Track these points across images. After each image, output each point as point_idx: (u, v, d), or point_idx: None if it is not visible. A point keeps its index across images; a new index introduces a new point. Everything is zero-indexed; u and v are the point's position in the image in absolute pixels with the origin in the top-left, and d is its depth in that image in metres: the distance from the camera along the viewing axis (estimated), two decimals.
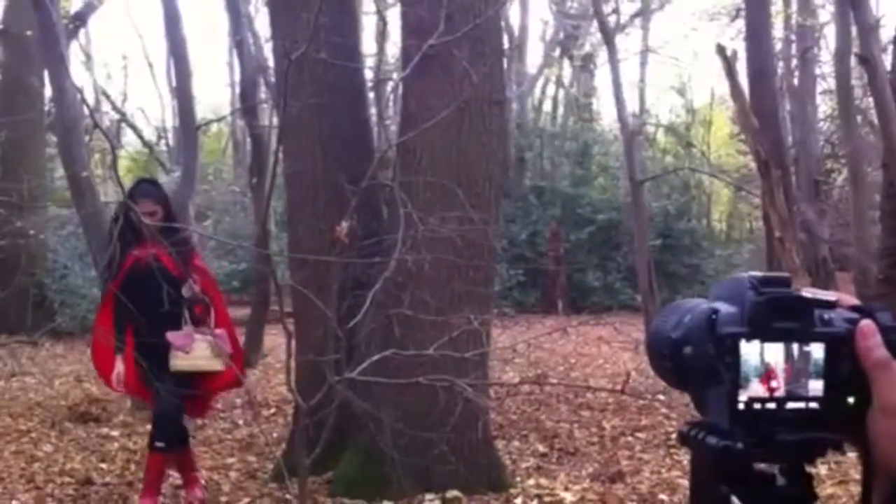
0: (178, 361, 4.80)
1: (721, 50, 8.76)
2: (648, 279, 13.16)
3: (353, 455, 5.08)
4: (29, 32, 12.32)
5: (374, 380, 3.72)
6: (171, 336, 4.79)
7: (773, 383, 0.77)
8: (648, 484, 5.43)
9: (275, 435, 6.92)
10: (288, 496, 4.98)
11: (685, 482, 5.47)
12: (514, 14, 21.37)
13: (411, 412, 4.58)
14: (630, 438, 6.97)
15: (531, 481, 5.45)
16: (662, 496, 5.11)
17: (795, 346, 0.78)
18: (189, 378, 4.91)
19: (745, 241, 25.03)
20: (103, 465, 6.08)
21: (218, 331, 4.91)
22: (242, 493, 5.30)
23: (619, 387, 8.53)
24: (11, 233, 13.45)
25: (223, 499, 5.19)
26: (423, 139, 4.81)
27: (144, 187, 5.08)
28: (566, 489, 5.19)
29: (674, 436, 6.97)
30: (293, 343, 3.93)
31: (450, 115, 4.67)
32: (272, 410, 8.17)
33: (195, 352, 4.79)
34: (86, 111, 9.02)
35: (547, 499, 4.94)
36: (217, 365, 4.85)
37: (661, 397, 8.12)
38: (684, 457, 6.29)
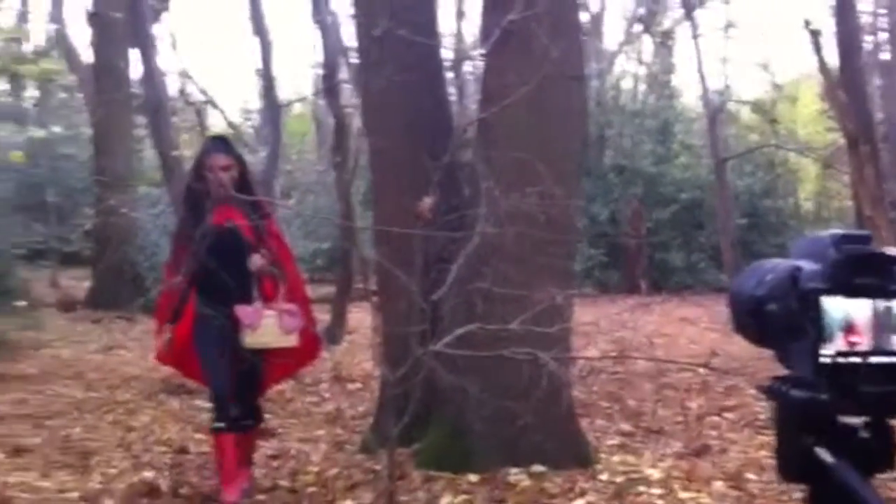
0: (248, 338, 4.56)
1: (808, 25, 8.57)
2: (734, 259, 12.99)
3: (439, 428, 5.16)
4: (118, 15, 12.72)
5: (459, 352, 3.78)
6: (240, 311, 4.56)
7: (856, 338, 0.79)
8: (735, 463, 5.38)
9: (360, 409, 7.06)
10: (376, 467, 5.08)
11: (773, 461, 5.41)
12: None
13: (495, 385, 4.63)
14: (716, 418, 6.90)
15: (616, 458, 5.45)
16: (750, 475, 5.06)
17: (879, 302, 0.80)
18: (259, 353, 4.69)
19: (833, 220, 24.35)
20: (198, 436, 6.28)
21: (287, 306, 4.66)
22: (331, 464, 5.42)
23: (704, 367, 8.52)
24: (104, 211, 13.92)
25: (313, 468, 5.32)
26: (503, 116, 4.82)
27: (217, 142, 4.86)
28: (652, 466, 5.18)
29: (761, 416, 6.90)
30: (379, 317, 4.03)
31: (529, 91, 4.68)
32: (357, 385, 8.31)
33: (263, 328, 4.56)
34: (173, 92, 9.24)
35: (633, 475, 4.94)
36: (287, 341, 4.64)
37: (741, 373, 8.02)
38: (771, 437, 6.21)
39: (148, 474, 5.28)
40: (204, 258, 4.47)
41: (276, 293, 4.68)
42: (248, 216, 4.56)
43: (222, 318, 4.55)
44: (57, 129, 15.34)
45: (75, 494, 4.90)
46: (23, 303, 10.32)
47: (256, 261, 4.56)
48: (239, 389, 4.62)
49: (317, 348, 5.13)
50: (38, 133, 14.41)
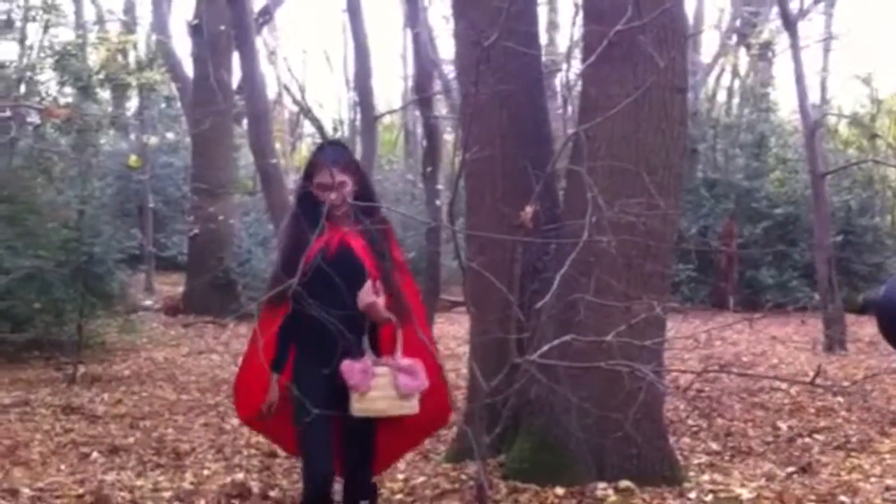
0: (356, 404, 3.58)
1: None
2: (828, 278, 12.62)
3: (527, 439, 5.14)
4: (222, 27, 13.08)
5: (556, 363, 3.78)
6: (346, 369, 3.56)
7: None
8: (828, 486, 5.25)
9: None
10: (462, 476, 5.10)
11: (867, 486, 5.27)
12: (688, 1, 20.92)
13: (588, 398, 4.61)
14: (808, 440, 6.73)
15: (705, 476, 5.37)
16: (843, 498, 4.93)
17: None
18: (371, 421, 3.71)
19: None
20: None
21: (405, 361, 3.64)
22: (418, 472, 5.45)
23: (797, 387, 8.31)
24: (203, 217, 14.30)
25: (400, 476, 5.36)
26: (603, 127, 4.80)
27: (330, 151, 3.81)
28: (742, 486, 5.08)
29: (854, 439, 6.71)
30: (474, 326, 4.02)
31: (630, 103, 4.65)
32: None
33: (374, 391, 3.56)
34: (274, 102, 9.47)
35: (722, 495, 4.86)
36: (404, 408, 3.63)
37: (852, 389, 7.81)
38: (864, 460, 6.04)
39: (239, 476, 5.39)
40: (302, 294, 3.39)
41: (394, 344, 3.68)
42: (369, 237, 3.62)
43: (325, 377, 3.57)
44: (169, 134, 15.86)
45: (169, 493, 5.02)
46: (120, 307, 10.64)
47: (366, 296, 3.53)
48: (347, 465, 3.80)
49: (445, 414, 4.05)
50: (152, 140, 14.89)
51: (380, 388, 3.56)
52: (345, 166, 3.67)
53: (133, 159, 12.53)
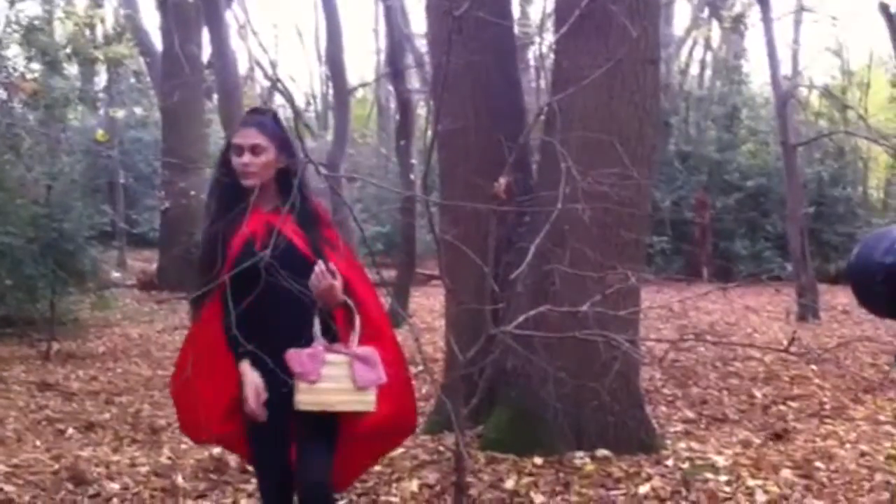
0: (302, 396, 3.04)
1: (884, 8, 8.35)
2: (801, 248, 12.75)
3: (504, 410, 5.17)
4: (191, 0, 12.94)
5: (531, 333, 3.79)
6: (293, 358, 3.04)
7: None
8: (803, 452, 5.32)
9: (423, 391, 7.10)
10: (440, 448, 5.12)
11: (842, 452, 5.35)
12: None
13: (564, 368, 4.63)
14: (783, 407, 6.83)
15: (682, 444, 5.43)
16: (818, 463, 5.00)
17: None
18: (328, 426, 3.13)
19: None
20: None
21: (362, 349, 3.12)
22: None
23: (770, 356, 8.41)
24: (175, 193, 14.18)
25: None
26: (576, 99, 4.80)
27: (250, 116, 3.31)
28: (718, 453, 5.15)
29: (828, 406, 6.80)
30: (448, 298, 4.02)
31: (602, 74, 4.65)
32: (419, 368, 8.35)
33: (325, 382, 3.04)
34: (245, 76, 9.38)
35: (699, 462, 4.91)
36: (360, 402, 3.10)
37: (826, 356, 7.92)
38: (839, 427, 6.13)
39: (216, 450, 5.37)
40: (240, 287, 2.95)
41: (349, 328, 3.15)
42: (302, 222, 3.13)
43: (269, 374, 3.05)
44: (137, 109, 15.69)
45: (145, 469, 5.00)
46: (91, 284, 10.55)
47: (322, 278, 3.01)
48: (301, 478, 3.10)
49: (410, 420, 3.49)
50: (118, 113, 14.71)
51: (332, 379, 3.03)
52: (265, 130, 3.14)
53: (100, 133, 12.37)
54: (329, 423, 3.12)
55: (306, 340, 3.06)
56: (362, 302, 3.19)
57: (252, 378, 3.05)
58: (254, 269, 2.89)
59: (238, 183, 3.13)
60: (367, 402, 3.10)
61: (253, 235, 3.06)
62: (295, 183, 3.07)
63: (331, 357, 3.06)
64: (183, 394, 3.35)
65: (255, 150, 3.10)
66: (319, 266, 3.02)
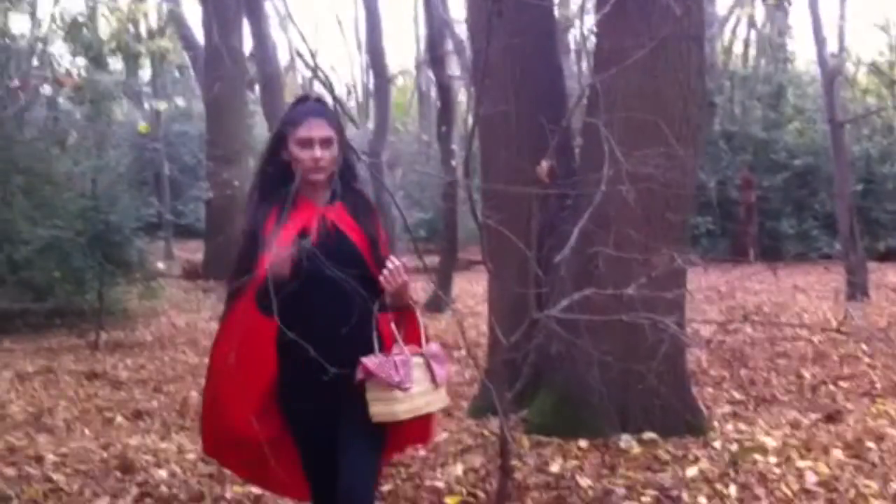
0: (400, 406, 2.83)
1: None
2: (850, 226, 12.54)
3: (549, 394, 5.15)
4: None
5: (575, 317, 3.76)
6: (377, 366, 2.81)
7: None
8: (854, 433, 5.23)
9: (467, 375, 7.10)
10: (485, 432, 5.12)
11: (893, 431, 5.25)
12: None
13: (609, 352, 4.60)
14: (832, 387, 6.73)
15: (729, 426, 5.37)
16: (869, 444, 4.92)
17: None
18: (379, 430, 2.92)
19: None
20: None
21: (432, 346, 3.00)
22: (441, 429, 5.46)
23: (819, 335, 8.30)
24: (219, 183, 14.33)
25: None
26: (618, 80, 4.73)
27: (312, 104, 3.07)
28: (767, 434, 5.08)
29: (879, 385, 6.69)
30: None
31: (645, 54, 4.59)
32: (462, 352, 8.36)
33: (415, 387, 2.86)
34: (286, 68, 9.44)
35: (747, 443, 4.85)
36: (441, 400, 3.00)
37: (874, 338, 7.80)
38: (890, 406, 6.02)
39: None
40: (287, 285, 2.78)
41: (417, 331, 3.01)
42: (357, 216, 2.99)
43: (315, 393, 2.88)
44: (179, 100, 15.86)
45: (192, 455, 5.04)
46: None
47: (398, 275, 2.85)
48: (349, 489, 2.85)
49: (429, 429, 3.26)
50: (161, 106, 14.88)
51: (418, 383, 2.87)
52: (333, 123, 2.99)
53: (142, 126, 12.51)
54: (378, 431, 2.92)
55: (349, 336, 2.83)
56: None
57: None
58: (309, 264, 2.78)
59: (283, 174, 2.95)
60: (443, 398, 3.02)
61: (306, 229, 2.88)
62: (351, 176, 3.00)
63: (409, 358, 2.88)
64: (211, 404, 3.07)
65: (326, 143, 2.92)
66: (394, 262, 2.86)
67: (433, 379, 2.91)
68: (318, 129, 2.91)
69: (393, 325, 2.91)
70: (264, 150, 3.13)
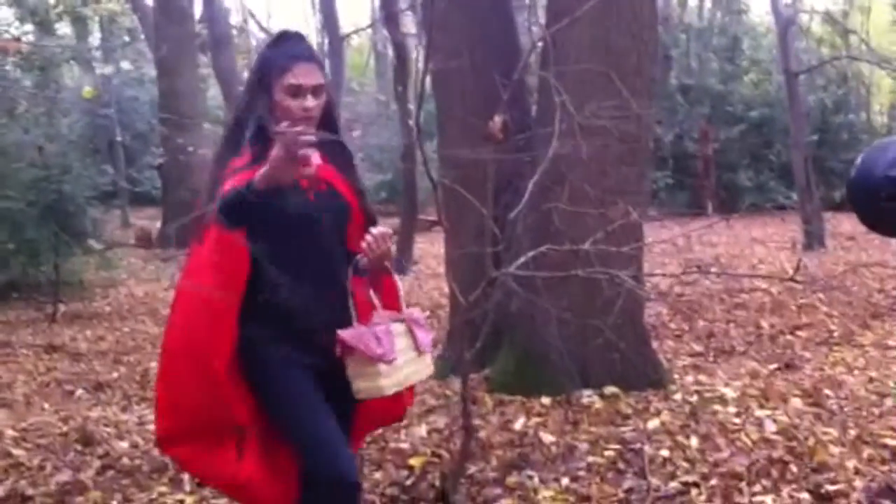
0: (385, 381, 2.59)
1: None
2: (805, 176, 12.66)
3: (510, 352, 5.15)
4: None
5: (533, 274, 3.74)
6: (357, 339, 2.58)
7: None
8: (812, 380, 5.31)
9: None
10: (448, 392, 5.11)
11: (850, 378, 5.34)
12: None
13: (568, 307, 4.59)
14: (790, 337, 6.82)
15: (689, 378, 5.41)
16: (827, 391, 4.99)
17: None
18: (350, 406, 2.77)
19: None
20: None
21: (412, 311, 2.84)
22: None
23: (777, 286, 8.38)
24: (172, 149, 14.10)
25: None
26: (570, 32, 4.68)
27: (299, 45, 2.70)
28: (726, 385, 5.13)
29: (836, 333, 6.78)
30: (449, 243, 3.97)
31: (597, 6, 4.53)
32: (426, 314, 8.34)
33: (399, 357, 2.63)
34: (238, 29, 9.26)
35: (707, 394, 4.89)
36: (426, 368, 2.82)
37: (830, 286, 7.89)
38: (847, 354, 6.11)
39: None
40: (271, 244, 2.53)
41: (395, 296, 2.83)
42: (341, 167, 2.77)
43: (308, 352, 2.65)
44: (125, 63, 15.50)
45: (154, 427, 5.00)
46: (95, 243, 10.53)
47: (383, 241, 2.66)
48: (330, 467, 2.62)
49: (403, 402, 3.03)
50: (106, 69, 14.55)
51: (401, 353, 2.64)
52: (321, 66, 2.72)
53: (86, 90, 12.19)
54: (349, 406, 2.74)
55: (338, 294, 2.65)
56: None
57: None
58: (301, 215, 2.58)
59: (260, 126, 2.61)
60: (427, 365, 2.82)
61: (297, 185, 2.50)
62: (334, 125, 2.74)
63: (395, 328, 2.67)
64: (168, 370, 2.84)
65: (317, 91, 2.63)
66: (378, 229, 2.65)
67: (416, 346, 2.72)
68: (309, 75, 2.61)
69: (372, 292, 2.71)
70: (240, 98, 2.79)
